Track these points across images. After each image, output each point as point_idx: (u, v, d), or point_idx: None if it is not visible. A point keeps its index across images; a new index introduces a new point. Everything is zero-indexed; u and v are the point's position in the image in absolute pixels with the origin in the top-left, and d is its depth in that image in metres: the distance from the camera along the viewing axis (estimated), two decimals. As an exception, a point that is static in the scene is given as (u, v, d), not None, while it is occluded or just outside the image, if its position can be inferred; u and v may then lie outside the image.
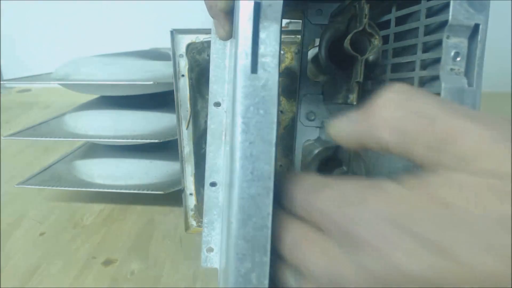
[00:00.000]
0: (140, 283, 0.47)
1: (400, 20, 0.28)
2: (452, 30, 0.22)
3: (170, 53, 0.48)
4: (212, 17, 0.30)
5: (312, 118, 0.35)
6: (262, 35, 0.20)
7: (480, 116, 0.17)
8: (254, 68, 0.20)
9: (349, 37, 0.24)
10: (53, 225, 0.60)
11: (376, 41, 0.25)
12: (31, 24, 1.33)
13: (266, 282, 0.21)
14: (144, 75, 0.61)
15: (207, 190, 0.36)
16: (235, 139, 0.21)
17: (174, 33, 0.47)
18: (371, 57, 0.26)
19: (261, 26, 0.20)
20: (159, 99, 0.66)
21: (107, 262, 0.51)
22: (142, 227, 0.59)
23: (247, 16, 0.20)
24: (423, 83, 0.25)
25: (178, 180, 0.62)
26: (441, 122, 0.17)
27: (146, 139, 0.59)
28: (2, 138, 0.63)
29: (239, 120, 0.20)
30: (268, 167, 0.20)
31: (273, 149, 0.21)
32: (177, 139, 0.52)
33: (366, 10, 0.24)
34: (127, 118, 0.63)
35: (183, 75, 0.49)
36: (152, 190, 0.60)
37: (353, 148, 0.22)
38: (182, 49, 0.48)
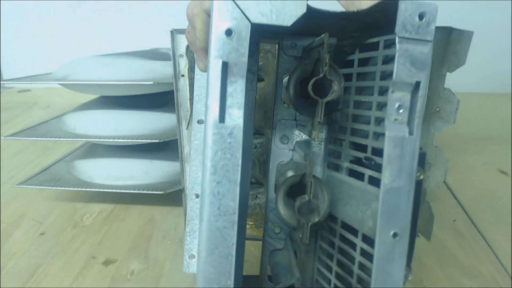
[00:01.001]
0: (140, 283, 0.47)
1: (364, 61, 0.30)
2: (396, 86, 0.24)
3: (170, 53, 0.48)
4: (193, 52, 0.34)
5: (286, 141, 0.38)
6: (230, 89, 0.23)
7: None
8: (221, 118, 0.23)
9: (311, 82, 0.27)
10: (53, 225, 0.60)
11: (335, 87, 0.27)
12: (31, 24, 1.33)
13: None
14: (144, 75, 0.61)
15: (190, 201, 0.39)
16: (204, 179, 0.23)
17: (174, 33, 0.47)
18: (335, 97, 0.28)
19: (228, 81, 0.23)
20: (159, 99, 0.66)
21: (107, 262, 0.51)
22: (142, 227, 0.59)
23: (216, 73, 0.23)
24: (379, 121, 0.27)
25: (178, 180, 0.62)
26: None
27: (146, 139, 0.59)
28: (2, 138, 0.63)
29: (208, 163, 0.23)
30: (233, 204, 0.24)
31: (238, 188, 0.24)
32: (177, 139, 0.52)
33: (327, 59, 0.27)
34: (127, 118, 0.63)
35: (183, 75, 0.49)
36: (152, 190, 0.60)
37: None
38: (182, 49, 0.48)
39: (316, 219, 0.29)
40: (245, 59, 0.23)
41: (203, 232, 0.24)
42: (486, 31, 1.12)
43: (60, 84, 0.64)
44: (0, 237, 0.57)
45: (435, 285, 0.47)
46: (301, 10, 0.24)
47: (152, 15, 1.26)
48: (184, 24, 0.33)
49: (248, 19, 0.23)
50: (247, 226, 0.56)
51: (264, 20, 0.24)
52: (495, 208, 0.63)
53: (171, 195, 0.59)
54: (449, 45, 0.49)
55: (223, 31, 0.23)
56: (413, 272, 0.49)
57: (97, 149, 0.69)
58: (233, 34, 0.23)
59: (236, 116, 0.23)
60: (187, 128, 0.51)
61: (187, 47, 0.48)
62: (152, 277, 0.49)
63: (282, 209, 0.31)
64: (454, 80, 0.55)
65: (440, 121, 0.51)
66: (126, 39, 1.28)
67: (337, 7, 0.31)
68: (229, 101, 0.23)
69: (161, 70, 0.63)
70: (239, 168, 0.24)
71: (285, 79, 0.36)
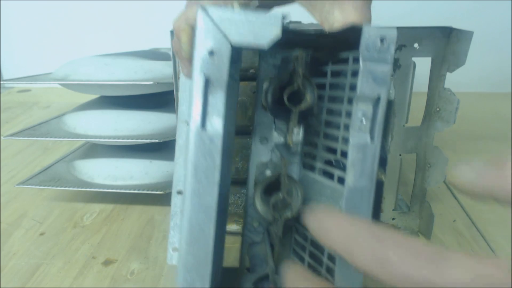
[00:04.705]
0: (140, 283, 0.48)
1: (336, 73, 0.33)
2: (360, 99, 0.28)
3: (170, 53, 0.48)
4: (178, 59, 0.36)
5: (265, 143, 0.40)
6: (211, 100, 0.26)
7: None
8: (203, 125, 0.26)
9: (286, 92, 0.30)
10: (53, 225, 0.60)
11: (308, 97, 0.31)
12: (31, 24, 1.33)
13: None
14: (144, 75, 0.61)
15: (174, 197, 0.42)
16: (186, 179, 0.26)
17: (174, 33, 0.47)
18: (309, 105, 0.31)
19: (210, 94, 0.26)
20: (159, 99, 0.66)
21: (107, 262, 0.51)
22: (142, 227, 0.59)
23: (199, 87, 0.26)
24: (348, 128, 0.30)
25: (178, 180, 0.62)
26: None
27: (146, 139, 0.59)
28: (2, 138, 0.63)
29: (190, 165, 0.26)
30: (212, 201, 0.26)
31: (217, 187, 0.26)
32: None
33: (300, 72, 0.30)
34: (127, 118, 0.63)
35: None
36: (152, 190, 0.60)
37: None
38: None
39: (289, 215, 0.32)
40: (225, 76, 0.26)
41: (184, 225, 0.26)
42: (486, 31, 1.12)
43: (60, 84, 0.64)
44: (0, 237, 0.57)
45: (435, 285, 0.47)
46: (277, 34, 0.27)
47: (152, 15, 1.26)
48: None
49: (229, 41, 0.26)
50: (242, 224, 0.56)
51: (243, 43, 0.26)
52: (495, 208, 0.63)
53: (171, 195, 0.59)
54: (449, 45, 0.49)
55: (205, 51, 0.26)
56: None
57: (97, 149, 0.69)
58: (215, 54, 0.26)
59: (216, 124, 0.26)
60: (187, 128, 0.51)
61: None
62: (152, 277, 0.49)
63: (259, 205, 0.34)
64: (454, 80, 0.55)
65: (440, 121, 0.51)
66: (126, 39, 1.28)
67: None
68: (209, 110, 0.26)
69: (161, 70, 0.63)
70: (219, 169, 0.26)
71: (265, 85, 0.40)
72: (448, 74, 0.50)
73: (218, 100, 0.26)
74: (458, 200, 0.66)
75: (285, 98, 0.30)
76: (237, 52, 0.37)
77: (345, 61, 0.31)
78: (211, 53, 0.26)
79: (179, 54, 0.35)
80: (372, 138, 0.28)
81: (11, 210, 0.64)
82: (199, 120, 0.26)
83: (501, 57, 1.24)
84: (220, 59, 0.26)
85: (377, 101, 0.28)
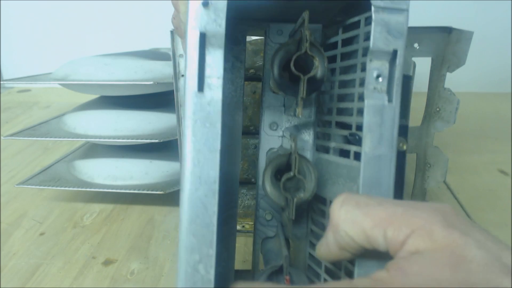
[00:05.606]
0: (140, 283, 0.47)
1: (348, 42, 0.31)
2: (374, 55, 0.25)
3: (170, 53, 0.48)
4: (179, 37, 0.34)
5: (275, 128, 0.38)
6: (208, 59, 0.24)
7: (403, 204, 0.21)
8: (200, 87, 0.23)
9: (293, 59, 0.27)
10: (53, 225, 0.60)
11: (317, 63, 0.27)
12: (31, 24, 1.33)
13: (212, 272, 0.23)
14: (144, 75, 0.61)
15: None
16: (184, 148, 0.23)
17: (174, 33, 0.47)
18: (319, 74, 0.28)
19: (206, 51, 0.23)
20: (159, 99, 0.66)
21: (107, 262, 0.51)
22: (142, 227, 0.59)
23: (194, 44, 0.23)
24: (363, 98, 0.27)
25: (178, 180, 0.62)
26: (373, 208, 0.21)
27: (146, 139, 0.59)
28: (2, 138, 0.63)
29: (188, 132, 0.23)
30: (213, 172, 0.23)
31: (218, 156, 0.24)
32: (177, 139, 0.52)
33: (308, 37, 0.27)
34: (127, 118, 0.63)
35: (183, 75, 0.49)
36: (152, 190, 0.60)
37: (344, 258, 0.24)
38: (182, 49, 0.48)
39: (302, 195, 0.29)
40: (222, 30, 0.23)
41: (184, 201, 0.24)
42: (486, 31, 1.12)
43: (60, 84, 0.64)
44: (0, 237, 0.57)
45: (435, 285, 0.47)
46: None
47: (152, 15, 1.26)
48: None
49: None
50: (249, 225, 0.56)
51: None
52: (495, 208, 0.63)
53: (171, 195, 0.59)
54: (449, 45, 0.49)
55: (200, 2, 0.23)
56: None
57: (97, 149, 0.69)
58: (210, 5, 0.23)
59: (215, 86, 0.24)
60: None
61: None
62: (152, 277, 0.49)
63: (269, 188, 0.30)
64: (454, 80, 0.55)
65: (440, 121, 0.51)
66: (126, 39, 1.28)
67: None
68: (207, 71, 0.24)
69: (161, 70, 0.62)
70: (219, 137, 0.24)
71: (271, 57, 0.36)
72: (448, 74, 0.50)
73: (216, 60, 0.24)
74: (458, 200, 0.66)
75: (291, 65, 0.27)
76: (241, 31, 0.34)
77: (356, 26, 0.28)
78: (205, 4, 0.23)
79: (179, 30, 0.32)
80: (390, 98, 0.25)
81: (11, 210, 0.64)
82: (196, 82, 0.23)
83: (501, 57, 1.24)
84: (216, 11, 0.23)
85: (393, 57, 0.25)
